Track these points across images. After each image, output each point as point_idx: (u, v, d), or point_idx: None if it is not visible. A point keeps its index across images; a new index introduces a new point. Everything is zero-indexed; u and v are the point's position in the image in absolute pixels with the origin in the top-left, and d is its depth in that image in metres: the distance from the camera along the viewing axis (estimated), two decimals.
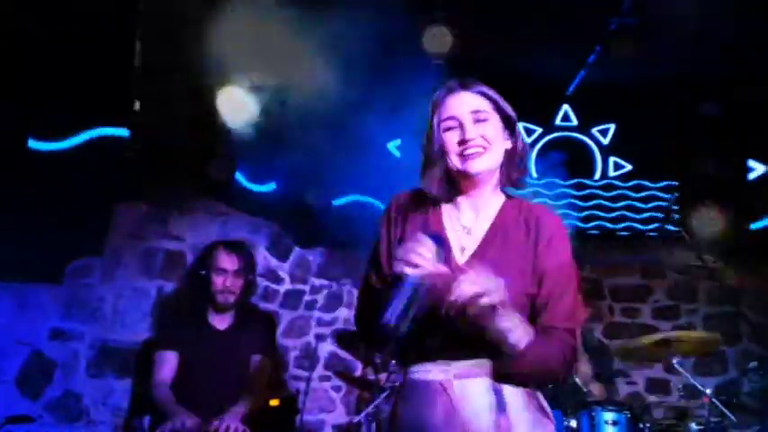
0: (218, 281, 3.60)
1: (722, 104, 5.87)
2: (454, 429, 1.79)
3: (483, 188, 1.96)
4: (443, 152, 1.91)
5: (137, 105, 4.45)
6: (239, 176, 5.08)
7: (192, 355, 3.55)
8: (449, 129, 1.91)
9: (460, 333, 1.79)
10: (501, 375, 1.78)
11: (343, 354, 5.63)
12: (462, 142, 1.89)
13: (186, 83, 4.63)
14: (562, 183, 6.16)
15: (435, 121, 1.94)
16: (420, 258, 1.67)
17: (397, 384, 4.18)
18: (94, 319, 4.30)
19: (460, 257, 1.89)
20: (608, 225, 6.16)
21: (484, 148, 1.89)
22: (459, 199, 1.98)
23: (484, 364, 1.83)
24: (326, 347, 5.65)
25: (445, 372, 1.83)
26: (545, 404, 1.90)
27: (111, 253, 4.42)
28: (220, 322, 3.64)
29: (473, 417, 1.79)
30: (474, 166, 1.89)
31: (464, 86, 1.95)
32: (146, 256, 4.51)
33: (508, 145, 1.96)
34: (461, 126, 1.90)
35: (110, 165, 4.31)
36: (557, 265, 1.86)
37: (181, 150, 4.57)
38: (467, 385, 1.82)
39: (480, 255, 1.87)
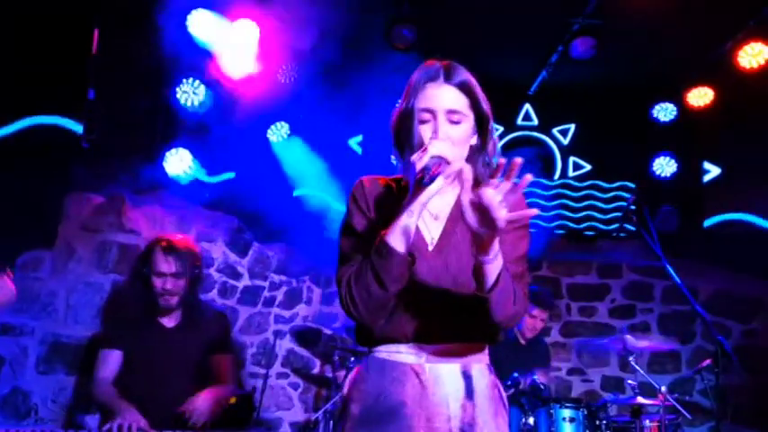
0: (157, 284, 3.44)
1: (679, 108, 5.99)
2: (421, 412, 1.80)
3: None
4: (417, 142, 1.86)
5: (92, 94, 4.34)
6: (197, 169, 4.98)
7: (139, 354, 3.44)
8: (423, 122, 1.87)
9: (436, 316, 1.83)
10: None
11: (301, 351, 5.59)
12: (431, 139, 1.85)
13: (144, 72, 4.55)
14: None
15: (413, 106, 1.88)
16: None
17: (356, 364, 4.16)
18: (46, 313, 4.17)
19: (431, 243, 1.90)
20: (570, 224, 6.23)
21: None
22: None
23: (456, 348, 1.86)
24: (285, 345, 5.60)
25: (417, 355, 1.85)
26: (504, 395, 1.97)
27: (63, 245, 4.29)
28: (168, 320, 3.53)
29: (442, 401, 1.82)
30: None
31: (447, 77, 1.89)
32: (100, 249, 4.40)
33: (474, 141, 1.93)
34: (435, 123, 1.85)
35: (62, 154, 4.18)
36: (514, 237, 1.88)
37: (138, 140, 4.47)
38: (439, 370, 1.84)
39: (445, 242, 1.89)
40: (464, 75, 1.90)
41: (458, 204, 1.90)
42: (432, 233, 1.91)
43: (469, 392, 1.84)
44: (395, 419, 1.81)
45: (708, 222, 6.03)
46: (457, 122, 1.86)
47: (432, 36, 4.92)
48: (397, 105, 1.95)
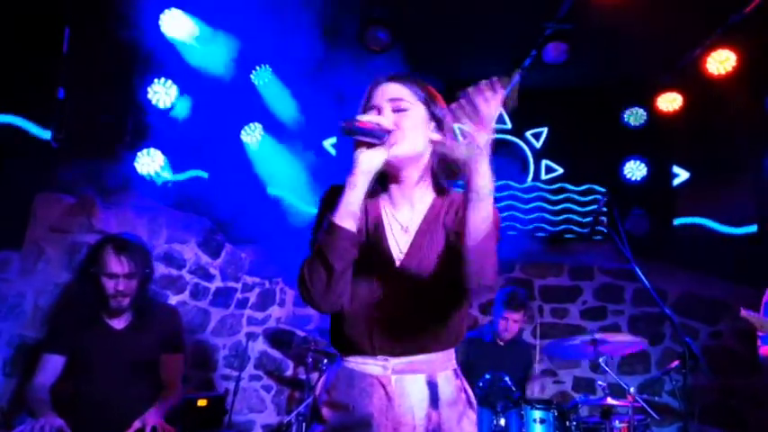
0: (108, 285, 3.28)
1: (649, 112, 6.08)
2: (388, 423, 1.83)
3: (410, 179, 1.95)
4: None
5: (62, 94, 4.28)
6: (167, 170, 4.94)
7: (87, 358, 3.32)
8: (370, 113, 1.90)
9: (403, 329, 1.86)
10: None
11: (274, 353, 5.57)
12: None
13: (115, 72, 4.50)
14: (516, 185, 6.25)
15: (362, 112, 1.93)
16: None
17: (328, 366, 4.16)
18: (13, 315, 4.09)
19: (399, 255, 1.92)
20: (548, 227, 6.28)
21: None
22: (393, 192, 1.98)
23: (422, 359, 1.89)
24: (257, 347, 5.57)
25: (383, 368, 1.88)
26: (472, 397, 1.99)
27: (32, 246, 4.22)
28: (117, 322, 3.40)
29: (407, 411, 1.84)
30: (400, 149, 1.86)
31: (392, 78, 1.95)
32: (69, 250, 4.33)
33: (435, 137, 1.94)
34: (379, 114, 1.89)
35: (31, 154, 4.12)
36: None
37: (109, 141, 4.42)
38: (404, 381, 1.87)
39: (413, 254, 1.91)
40: (413, 77, 1.96)
41: (427, 218, 1.94)
42: (400, 246, 1.92)
43: (434, 401, 1.87)
44: (362, 430, 1.84)
45: (677, 225, 6.13)
46: (403, 110, 1.89)
47: (406, 39, 4.94)
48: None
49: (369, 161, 1.78)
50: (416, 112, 1.91)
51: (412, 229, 1.94)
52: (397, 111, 1.90)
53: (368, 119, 1.81)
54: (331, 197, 1.93)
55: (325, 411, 1.91)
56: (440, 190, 1.99)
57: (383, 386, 1.86)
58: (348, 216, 1.77)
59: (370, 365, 1.88)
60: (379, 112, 1.90)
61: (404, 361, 1.87)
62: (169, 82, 4.76)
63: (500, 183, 6.21)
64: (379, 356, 1.88)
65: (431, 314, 1.88)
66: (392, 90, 1.92)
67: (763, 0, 4.42)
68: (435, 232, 1.92)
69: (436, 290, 1.86)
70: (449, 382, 1.93)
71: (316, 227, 1.96)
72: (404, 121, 1.88)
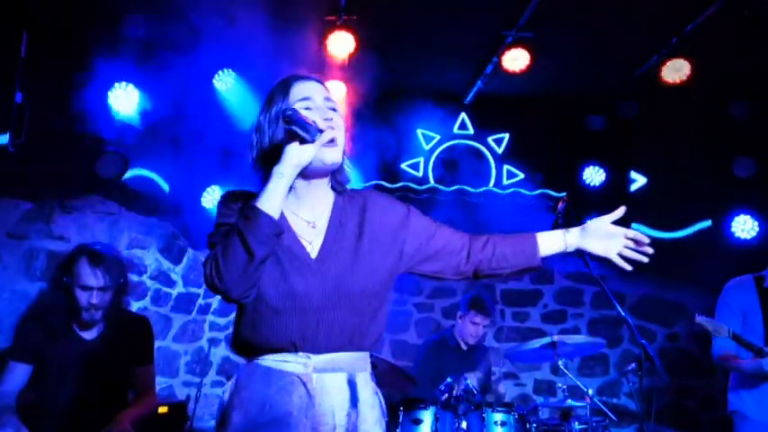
0: (82, 298, 3.21)
1: (608, 119, 6.19)
2: (307, 422, 1.81)
3: (321, 179, 1.96)
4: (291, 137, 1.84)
5: (20, 98, 4.21)
6: (133, 174, 4.90)
7: (55, 368, 3.26)
8: (306, 108, 1.89)
9: (322, 325, 1.84)
10: None
11: (237, 359, 5.53)
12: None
13: (77, 76, 4.44)
14: (472, 190, 6.30)
15: (281, 106, 1.90)
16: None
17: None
18: None
19: (312, 251, 1.92)
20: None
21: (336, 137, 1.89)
22: (298, 189, 1.95)
23: (343, 357, 1.88)
24: (220, 352, 5.53)
25: (305, 365, 1.85)
26: (383, 402, 2.01)
27: None
28: (88, 332, 3.34)
29: (327, 411, 1.83)
30: (330, 156, 1.88)
31: (317, 79, 1.98)
32: (27, 256, 4.25)
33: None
34: (317, 109, 1.90)
35: None
36: (425, 221, 2.07)
37: (68, 145, 4.36)
38: (326, 380, 1.85)
39: (327, 250, 1.92)
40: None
41: (334, 216, 1.96)
42: (312, 243, 1.92)
43: (354, 401, 1.87)
44: (280, 429, 1.81)
45: (634, 229, 6.24)
46: (334, 110, 1.93)
47: (370, 45, 4.96)
48: (256, 122, 1.96)
49: (300, 155, 1.80)
50: (341, 117, 1.95)
51: (320, 226, 1.95)
52: (331, 109, 1.93)
53: (308, 115, 1.84)
54: (231, 200, 1.93)
55: (236, 415, 1.85)
56: (339, 189, 2.02)
57: (303, 384, 1.83)
58: (272, 204, 1.77)
59: (291, 363, 1.85)
60: (318, 106, 1.91)
61: (326, 358, 1.85)
62: (130, 86, 4.72)
63: (463, 187, 6.28)
64: (300, 353, 1.84)
65: (352, 310, 1.87)
66: (322, 89, 1.96)
67: (716, 10, 4.54)
68: (345, 230, 1.95)
69: (355, 286, 1.87)
70: (367, 384, 1.94)
71: (215, 225, 1.92)
72: (339, 123, 1.92)
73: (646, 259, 2.04)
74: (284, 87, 1.95)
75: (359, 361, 1.92)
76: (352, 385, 1.88)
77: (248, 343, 1.90)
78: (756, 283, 3.75)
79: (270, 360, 1.86)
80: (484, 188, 6.32)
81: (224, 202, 1.95)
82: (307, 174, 1.90)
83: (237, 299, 1.81)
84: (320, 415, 1.82)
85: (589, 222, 2.08)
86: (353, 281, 1.88)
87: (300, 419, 1.81)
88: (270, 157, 1.87)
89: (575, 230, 2.10)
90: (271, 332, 1.85)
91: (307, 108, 1.89)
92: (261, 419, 1.81)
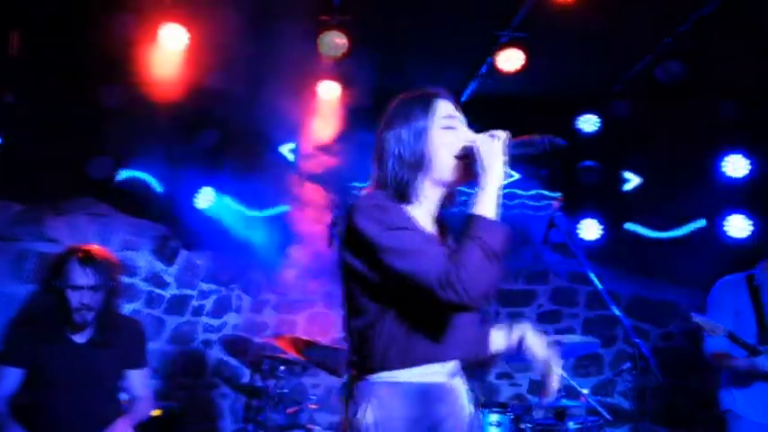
0: (73, 298, 3.18)
1: (602, 119, 6.20)
2: (459, 430, 1.86)
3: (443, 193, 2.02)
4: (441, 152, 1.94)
5: (11, 98, 4.18)
6: (125, 176, 4.87)
7: (47, 373, 3.23)
8: (449, 127, 1.97)
9: (467, 331, 1.91)
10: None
11: (230, 360, 5.51)
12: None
13: (68, 76, 4.41)
14: (467, 189, 6.26)
15: (433, 119, 1.96)
16: None
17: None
18: None
19: None
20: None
21: None
22: (429, 198, 1.99)
23: (458, 362, 1.94)
24: (214, 354, 5.51)
25: (443, 374, 1.87)
26: None
27: None
28: (79, 336, 3.30)
29: (467, 414, 1.90)
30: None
31: (449, 96, 2.05)
32: (18, 258, 4.22)
33: None
34: (458, 128, 2.00)
35: None
36: None
37: (60, 146, 4.33)
38: (458, 384, 1.91)
39: None
40: None
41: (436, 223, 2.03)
42: None
43: (473, 400, 1.96)
44: None
45: (628, 229, 6.26)
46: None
47: (364, 45, 4.95)
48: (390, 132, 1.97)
49: (502, 171, 1.93)
50: None
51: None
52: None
53: (450, 133, 1.98)
54: (382, 199, 1.87)
55: None
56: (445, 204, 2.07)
57: (451, 392, 1.88)
58: (495, 214, 1.82)
59: (438, 374, 1.86)
60: (458, 128, 2.01)
61: (453, 363, 1.90)
62: (128, 84, 4.68)
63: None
64: (442, 362, 1.86)
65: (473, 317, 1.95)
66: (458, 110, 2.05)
67: (709, 11, 4.55)
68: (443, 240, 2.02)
69: None
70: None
71: (389, 224, 1.79)
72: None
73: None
74: (426, 104, 1.98)
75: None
76: (466, 389, 1.96)
77: (396, 354, 1.82)
78: (747, 282, 3.76)
79: (418, 374, 1.83)
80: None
81: (377, 203, 1.85)
82: (443, 184, 1.98)
83: (475, 307, 1.77)
84: (462, 420, 1.89)
85: (528, 337, 2.13)
86: None
87: (456, 429, 1.86)
88: (412, 168, 1.91)
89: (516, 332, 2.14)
90: (427, 341, 1.83)
91: (449, 127, 1.97)
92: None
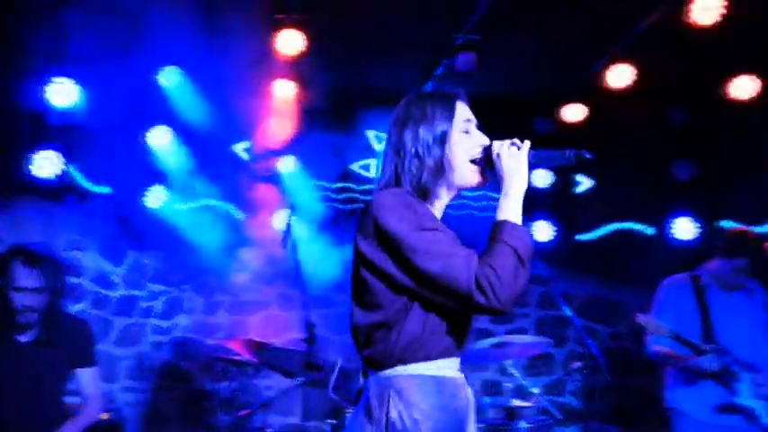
0: (17, 300, 3.10)
1: (555, 122, 6.28)
2: (470, 424, 1.90)
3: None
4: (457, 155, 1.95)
5: None
6: (72, 174, 4.74)
7: None
8: (466, 131, 1.99)
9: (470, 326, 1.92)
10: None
11: (181, 363, 5.42)
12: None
13: (11, 74, 4.29)
14: None
15: (453, 123, 1.97)
16: None
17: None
18: None
19: None
20: None
21: None
22: (442, 201, 2.01)
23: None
24: (163, 356, 5.41)
25: (453, 369, 1.89)
26: None
27: None
28: (23, 335, 3.22)
29: (473, 409, 1.94)
30: (477, 178, 1.98)
31: (465, 97, 2.09)
32: None
33: None
34: (473, 132, 2.01)
35: None
36: None
37: (2, 142, 4.20)
38: (463, 379, 1.94)
39: None
40: None
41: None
42: None
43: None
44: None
45: (579, 237, 6.36)
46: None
47: (321, 46, 4.92)
48: (413, 132, 1.95)
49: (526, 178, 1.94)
50: None
51: None
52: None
53: (468, 138, 1.99)
54: (410, 198, 1.87)
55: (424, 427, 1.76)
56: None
57: (463, 387, 1.90)
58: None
59: (450, 368, 1.87)
60: (473, 132, 2.02)
61: (459, 359, 1.92)
62: (71, 82, 4.57)
63: None
64: (453, 357, 1.88)
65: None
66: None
67: (662, 15, 4.63)
68: None
69: None
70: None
71: (419, 224, 1.79)
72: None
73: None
74: (448, 106, 2.00)
75: None
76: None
77: (420, 348, 1.81)
78: (693, 282, 3.84)
79: (434, 368, 1.83)
80: None
81: (406, 201, 1.84)
82: (458, 188, 1.99)
83: (502, 312, 1.75)
84: (471, 413, 1.92)
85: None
86: None
87: (470, 423, 1.90)
88: (432, 172, 1.92)
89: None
90: (450, 336, 1.85)
91: (466, 131, 1.99)
92: (448, 427, 1.81)
